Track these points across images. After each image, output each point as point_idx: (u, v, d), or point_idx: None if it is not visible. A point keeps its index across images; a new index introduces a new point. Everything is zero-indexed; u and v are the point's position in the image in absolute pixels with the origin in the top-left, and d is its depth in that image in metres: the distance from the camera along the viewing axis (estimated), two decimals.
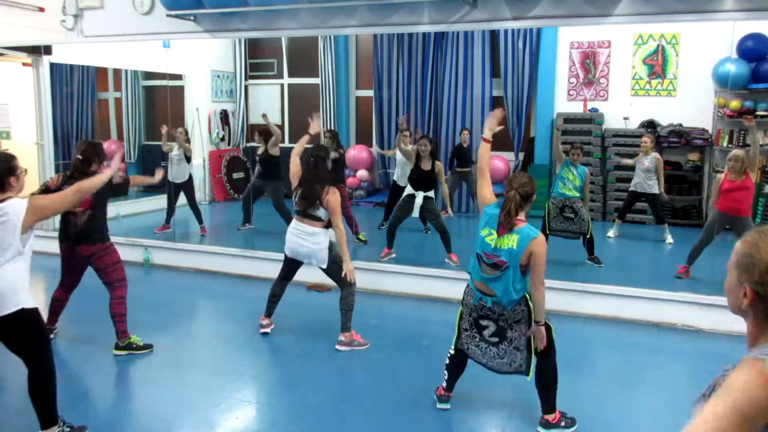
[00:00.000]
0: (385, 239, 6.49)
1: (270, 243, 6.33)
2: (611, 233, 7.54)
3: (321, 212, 4.41)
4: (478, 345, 3.35)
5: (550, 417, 3.33)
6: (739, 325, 1.50)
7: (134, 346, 4.35)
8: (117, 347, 4.34)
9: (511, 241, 3.07)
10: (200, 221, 7.71)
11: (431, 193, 6.40)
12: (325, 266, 4.45)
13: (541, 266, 3.06)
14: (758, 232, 1.30)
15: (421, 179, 6.35)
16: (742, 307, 1.29)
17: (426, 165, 6.34)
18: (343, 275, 4.41)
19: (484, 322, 3.29)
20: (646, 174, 7.03)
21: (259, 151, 7.64)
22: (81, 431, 3.22)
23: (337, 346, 4.44)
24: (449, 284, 5.50)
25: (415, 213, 6.38)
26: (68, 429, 3.16)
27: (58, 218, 4.65)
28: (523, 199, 3.10)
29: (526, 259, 3.06)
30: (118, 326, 4.33)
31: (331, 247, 4.46)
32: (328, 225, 4.48)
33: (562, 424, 3.33)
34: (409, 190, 6.43)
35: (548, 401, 3.32)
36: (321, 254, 4.42)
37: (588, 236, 6.33)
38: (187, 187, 7.65)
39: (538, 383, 3.32)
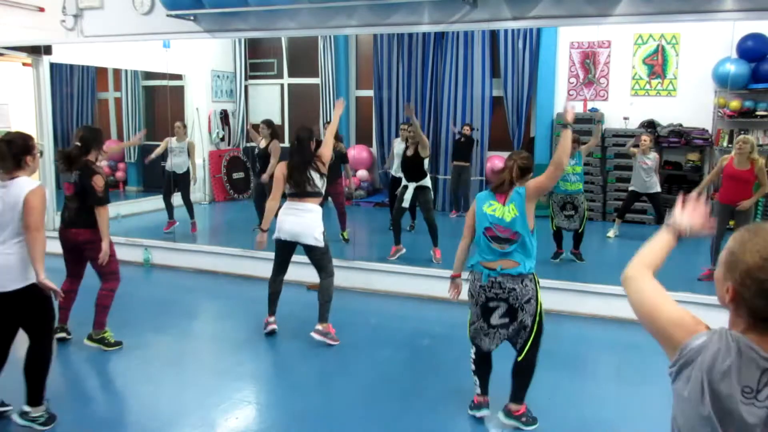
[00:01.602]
0: (391, 241, 6.48)
1: (271, 243, 6.31)
2: (611, 233, 7.53)
3: (319, 183, 4.43)
4: (487, 333, 3.29)
5: (515, 407, 3.30)
6: None
7: (106, 341, 4.33)
8: (90, 338, 4.32)
9: (511, 211, 3.17)
10: (191, 216, 7.72)
11: (425, 182, 6.42)
12: (321, 244, 4.41)
13: (537, 179, 3.19)
14: (749, 231, 1.29)
15: (407, 166, 6.41)
16: (725, 302, 1.32)
17: (410, 151, 6.38)
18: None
19: (492, 304, 3.23)
20: (648, 173, 7.04)
21: (261, 144, 7.44)
22: (52, 420, 3.27)
23: (313, 334, 4.42)
24: (449, 284, 5.48)
25: (406, 203, 6.39)
26: (46, 415, 3.24)
27: (57, 217, 4.66)
28: (521, 170, 3.22)
29: (531, 214, 3.18)
30: (98, 317, 4.30)
31: (324, 233, 4.46)
32: (322, 203, 4.53)
33: (523, 419, 3.30)
34: (404, 181, 6.50)
35: (520, 392, 3.30)
36: (316, 231, 4.39)
37: (580, 231, 6.39)
38: (185, 180, 7.67)
39: (517, 373, 3.30)
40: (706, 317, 1.41)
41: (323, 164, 4.46)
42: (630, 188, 7.32)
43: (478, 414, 3.42)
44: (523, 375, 3.29)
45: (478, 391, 3.46)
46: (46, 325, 3.17)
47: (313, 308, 5.36)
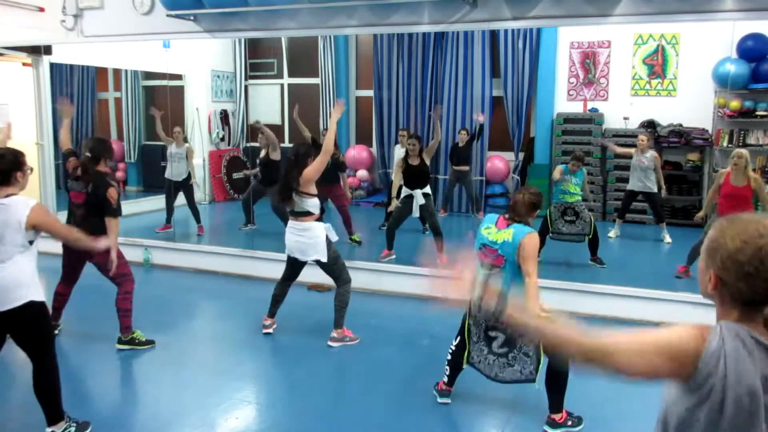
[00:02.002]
0: (385, 239, 6.49)
1: (270, 243, 6.33)
2: (612, 233, 7.53)
3: (307, 204, 4.42)
4: (486, 358, 3.37)
5: (557, 416, 3.33)
6: None
7: (136, 341, 4.38)
8: (120, 341, 4.37)
9: (507, 234, 3.22)
10: (198, 221, 7.74)
11: (428, 189, 6.42)
12: (325, 259, 4.44)
13: (530, 258, 3.15)
14: (728, 219, 1.33)
15: (413, 174, 6.36)
16: (708, 291, 1.32)
17: (414, 161, 6.36)
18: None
19: (493, 333, 3.32)
20: (645, 172, 7.02)
21: (261, 154, 7.70)
22: (86, 427, 3.24)
23: (329, 342, 4.48)
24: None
25: (416, 213, 6.37)
26: (74, 425, 3.19)
27: (59, 216, 4.65)
28: (530, 204, 3.28)
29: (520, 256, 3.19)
30: (122, 321, 4.35)
31: (329, 243, 4.48)
32: (320, 218, 4.53)
33: (569, 423, 3.34)
34: (405, 191, 6.41)
35: (557, 400, 3.33)
36: (318, 247, 4.42)
37: (591, 236, 6.33)
38: (186, 186, 7.66)
39: (550, 382, 3.31)
40: (702, 316, 1.40)
41: (305, 184, 4.39)
42: (627, 187, 7.31)
43: (440, 400, 3.58)
44: (558, 383, 3.30)
45: (446, 380, 3.59)
46: (45, 344, 3.10)
47: (314, 308, 5.38)
